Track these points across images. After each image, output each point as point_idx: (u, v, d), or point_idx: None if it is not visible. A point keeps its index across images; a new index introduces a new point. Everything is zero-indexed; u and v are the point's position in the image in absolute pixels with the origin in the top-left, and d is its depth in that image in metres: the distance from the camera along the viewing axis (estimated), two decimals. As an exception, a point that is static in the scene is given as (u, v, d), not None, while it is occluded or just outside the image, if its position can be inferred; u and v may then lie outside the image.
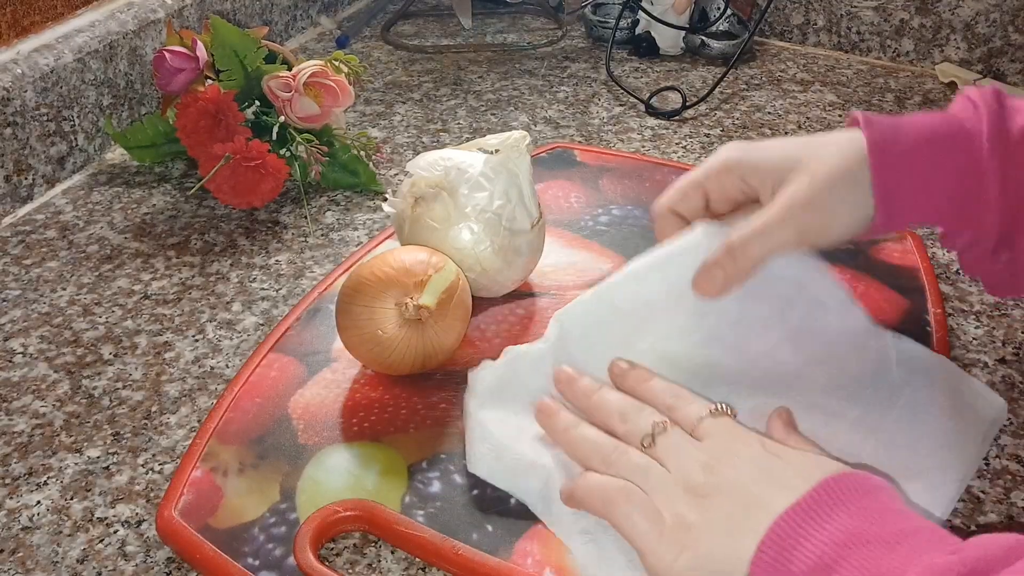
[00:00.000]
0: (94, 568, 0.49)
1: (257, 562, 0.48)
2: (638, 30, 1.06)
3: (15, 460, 0.56)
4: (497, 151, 0.63)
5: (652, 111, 0.94)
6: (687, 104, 0.93)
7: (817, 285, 0.57)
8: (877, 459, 0.52)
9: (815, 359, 0.57)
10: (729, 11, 1.03)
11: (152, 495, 0.53)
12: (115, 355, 0.63)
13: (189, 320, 0.66)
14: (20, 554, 0.50)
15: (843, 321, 0.58)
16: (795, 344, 0.57)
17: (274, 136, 0.77)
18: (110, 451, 0.56)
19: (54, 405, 0.59)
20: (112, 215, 0.78)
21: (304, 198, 0.80)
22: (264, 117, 0.79)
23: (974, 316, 0.67)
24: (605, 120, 0.93)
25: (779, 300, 0.56)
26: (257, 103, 0.79)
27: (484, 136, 0.70)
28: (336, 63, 0.79)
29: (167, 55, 0.77)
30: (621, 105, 0.95)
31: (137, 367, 0.62)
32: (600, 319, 0.57)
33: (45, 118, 0.79)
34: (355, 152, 0.81)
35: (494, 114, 0.94)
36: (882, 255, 0.70)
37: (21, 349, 0.64)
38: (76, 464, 0.55)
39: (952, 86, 0.99)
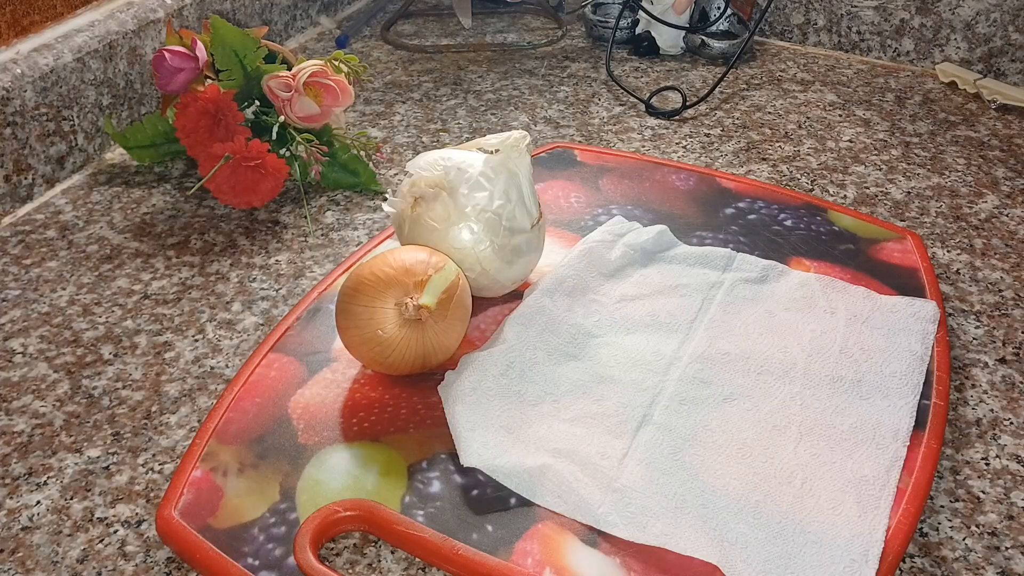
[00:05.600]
0: (94, 568, 0.49)
1: (257, 562, 0.48)
2: (638, 30, 1.06)
3: (15, 460, 0.56)
4: (497, 151, 0.63)
5: (652, 111, 0.94)
6: (687, 104, 0.93)
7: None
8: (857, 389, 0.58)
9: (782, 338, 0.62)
10: (729, 11, 1.03)
11: (152, 495, 0.53)
12: (115, 355, 0.63)
13: (189, 320, 0.66)
14: (20, 554, 0.50)
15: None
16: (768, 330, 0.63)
17: (274, 136, 0.77)
18: (110, 451, 0.56)
19: (54, 405, 0.59)
20: (112, 215, 0.78)
21: (304, 198, 0.80)
22: (264, 117, 0.79)
23: (974, 316, 0.67)
24: (605, 120, 0.92)
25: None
26: (257, 103, 0.79)
27: (484, 136, 0.70)
28: (336, 63, 0.79)
29: (167, 55, 0.77)
30: (621, 105, 0.95)
31: (137, 367, 0.62)
32: (551, 316, 0.62)
33: (45, 118, 0.79)
34: (355, 152, 0.81)
35: (494, 114, 0.94)
36: (882, 255, 0.70)
37: (21, 349, 0.64)
38: (76, 464, 0.55)
39: (952, 86, 0.99)
